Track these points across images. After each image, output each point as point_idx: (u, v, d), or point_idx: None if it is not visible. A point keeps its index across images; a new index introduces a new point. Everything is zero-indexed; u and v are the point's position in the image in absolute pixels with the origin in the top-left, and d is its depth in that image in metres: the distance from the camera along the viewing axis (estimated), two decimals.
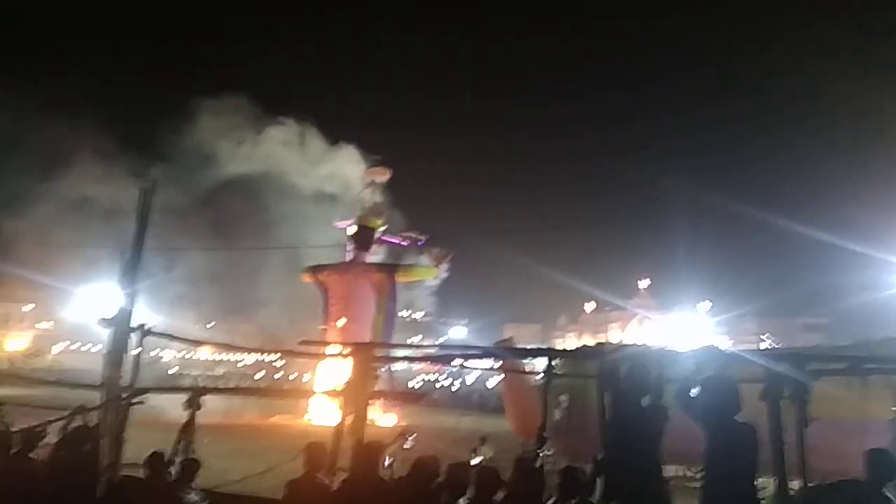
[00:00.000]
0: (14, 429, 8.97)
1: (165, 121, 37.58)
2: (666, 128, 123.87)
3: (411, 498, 5.19)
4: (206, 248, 35.45)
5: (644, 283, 71.98)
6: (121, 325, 6.72)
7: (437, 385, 52.94)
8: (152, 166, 31.05)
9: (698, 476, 5.21)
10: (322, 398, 15.79)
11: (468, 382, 52.75)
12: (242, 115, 38.92)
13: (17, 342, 60.55)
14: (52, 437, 7.58)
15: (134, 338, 6.89)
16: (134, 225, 6.88)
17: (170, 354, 53.80)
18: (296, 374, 49.49)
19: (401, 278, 31.87)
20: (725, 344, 46.22)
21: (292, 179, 37.26)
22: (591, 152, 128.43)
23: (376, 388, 7.05)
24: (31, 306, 62.98)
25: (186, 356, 58.05)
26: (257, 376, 55.25)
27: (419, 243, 33.90)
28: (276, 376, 54.35)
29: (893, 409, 8.41)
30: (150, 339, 7.29)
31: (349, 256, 32.91)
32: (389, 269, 31.99)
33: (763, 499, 5.16)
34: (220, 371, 57.61)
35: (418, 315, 60.19)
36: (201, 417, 7.12)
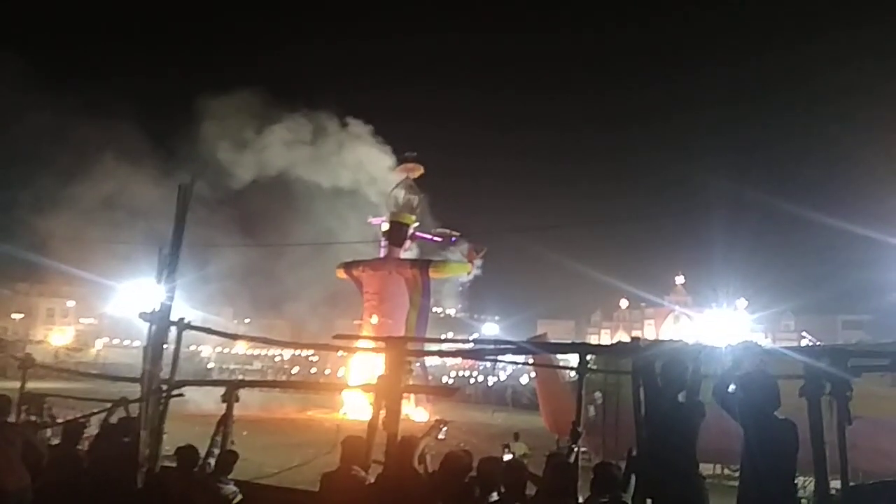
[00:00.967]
0: (59, 420, 9.26)
1: (200, 118, 38.04)
2: (704, 123, 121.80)
3: (445, 491, 5.20)
4: (242, 244, 35.97)
5: (680, 280, 70.91)
6: (161, 320, 6.83)
7: (471, 381, 52.96)
8: (188, 163, 31.63)
9: (736, 474, 5.13)
10: (356, 392, 15.95)
11: (501, 379, 52.68)
12: (275, 111, 39.39)
13: (61, 337, 62.11)
14: (94, 429, 7.78)
15: (173, 332, 7.00)
16: (172, 222, 6.98)
17: (207, 350, 54.84)
18: (329, 371, 50.00)
19: (434, 274, 31.93)
20: (764, 341, 45.36)
21: (326, 176, 37.57)
22: (627, 148, 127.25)
23: (410, 383, 7.08)
24: (73, 303, 64.54)
25: (223, 351, 59.13)
26: (293, 371, 55.93)
27: (452, 240, 33.92)
28: (312, 371, 55.01)
29: None
30: (188, 335, 7.40)
31: (383, 252, 33.09)
32: (423, 265, 32.07)
33: (802, 498, 5.05)
34: (256, 366, 58.50)
35: (451, 311, 60.27)
36: (238, 411, 7.22)
